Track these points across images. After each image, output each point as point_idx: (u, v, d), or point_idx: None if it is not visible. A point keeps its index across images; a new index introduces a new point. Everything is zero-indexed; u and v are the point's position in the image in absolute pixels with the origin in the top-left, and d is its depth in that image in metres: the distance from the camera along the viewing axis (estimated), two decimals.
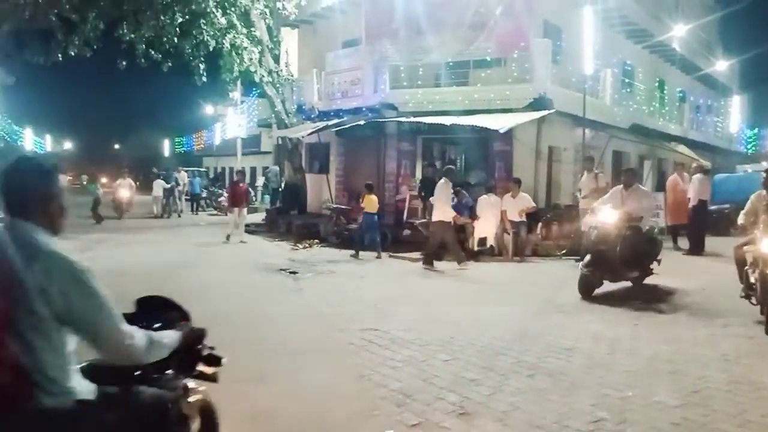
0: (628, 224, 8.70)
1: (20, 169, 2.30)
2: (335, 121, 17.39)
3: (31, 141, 41.71)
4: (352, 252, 13.29)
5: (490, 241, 13.23)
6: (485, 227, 13.08)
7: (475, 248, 13.08)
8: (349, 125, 16.40)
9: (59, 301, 2.10)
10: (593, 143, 16.55)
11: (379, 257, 13.05)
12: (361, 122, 16.12)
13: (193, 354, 2.62)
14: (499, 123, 13.40)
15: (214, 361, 2.69)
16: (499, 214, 13.09)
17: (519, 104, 15.16)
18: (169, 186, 24.77)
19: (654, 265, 9.31)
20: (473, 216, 13.18)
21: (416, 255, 13.11)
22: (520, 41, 15.53)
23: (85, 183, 25.01)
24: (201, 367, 2.69)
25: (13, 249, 2.12)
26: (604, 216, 8.83)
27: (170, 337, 2.44)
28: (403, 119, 15.87)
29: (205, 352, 2.66)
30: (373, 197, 13.56)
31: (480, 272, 11.53)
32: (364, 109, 17.05)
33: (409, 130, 16.51)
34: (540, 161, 15.97)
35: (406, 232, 14.99)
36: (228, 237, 15.69)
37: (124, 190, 23.44)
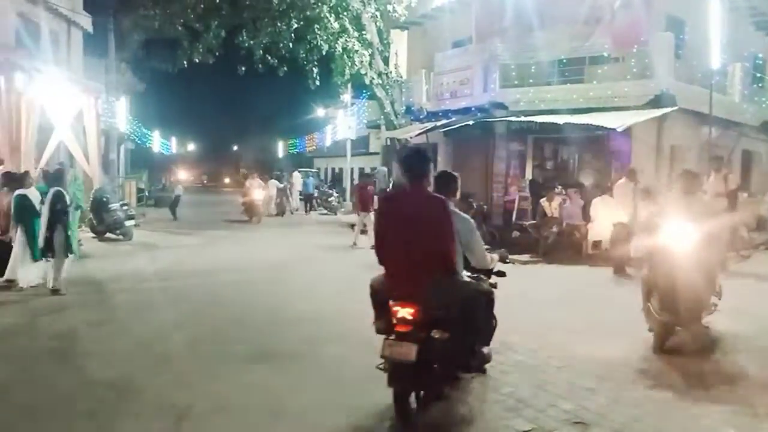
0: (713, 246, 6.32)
1: (418, 152, 4.63)
2: (443, 121, 17.35)
3: (159, 143, 44.60)
4: None
5: (606, 245, 12.70)
6: (600, 230, 12.56)
7: (590, 251, 12.61)
8: (457, 125, 16.30)
9: (462, 233, 4.46)
10: (720, 142, 15.48)
11: None
12: (470, 122, 15.98)
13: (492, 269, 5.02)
14: (616, 121, 12.82)
15: (501, 273, 5.17)
16: (615, 216, 12.53)
17: (638, 102, 14.45)
18: (282, 186, 25.74)
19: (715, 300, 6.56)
20: (586, 218, 12.71)
21: (525, 257, 12.84)
22: (640, 35, 14.79)
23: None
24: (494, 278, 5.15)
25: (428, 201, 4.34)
26: (681, 236, 6.08)
27: (495, 258, 5.00)
28: (513, 118, 15.57)
29: (496, 269, 5.08)
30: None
31: (593, 276, 11.10)
32: (473, 108, 16.89)
33: (519, 129, 16.18)
34: (661, 161, 15.14)
35: (515, 233, 14.69)
36: (354, 243, 14.73)
37: (257, 191, 21.63)
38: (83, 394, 5.04)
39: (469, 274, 4.81)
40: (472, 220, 4.62)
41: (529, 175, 16.61)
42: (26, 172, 10.80)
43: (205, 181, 79.59)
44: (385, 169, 23.51)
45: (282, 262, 12.67)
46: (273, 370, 5.73)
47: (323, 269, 11.91)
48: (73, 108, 16.50)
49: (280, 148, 58.86)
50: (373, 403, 4.77)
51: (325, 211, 27.33)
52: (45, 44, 22.01)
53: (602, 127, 13.02)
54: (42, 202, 9.29)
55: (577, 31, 15.32)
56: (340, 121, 34.01)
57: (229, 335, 6.96)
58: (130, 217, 15.94)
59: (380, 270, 4.60)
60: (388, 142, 21.22)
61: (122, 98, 27.39)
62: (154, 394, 5.03)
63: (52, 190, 9.17)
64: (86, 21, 25.60)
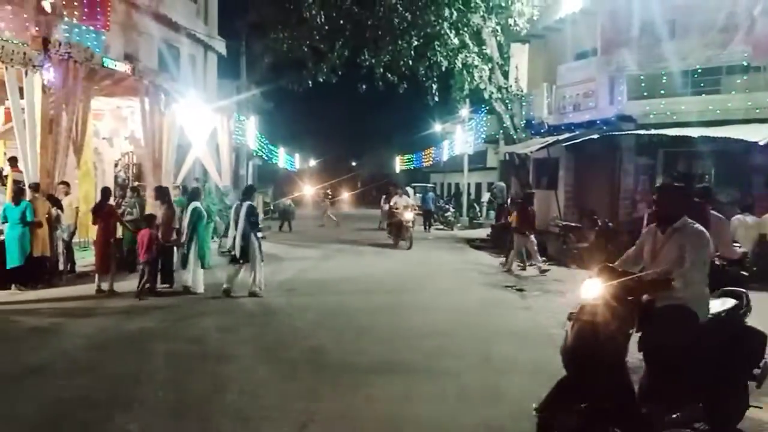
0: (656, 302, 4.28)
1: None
2: (566, 135, 16.85)
3: (284, 159, 46.58)
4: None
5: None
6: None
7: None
8: (581, 139, 15.77)
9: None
10: None
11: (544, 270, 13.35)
12: (595, 136, 15.41)
13: None
14: (759, 134, 11.88)
15: None
16: (756, 236, 11.59)
17: None
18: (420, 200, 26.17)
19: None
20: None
21: None
22: None
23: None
24: None
25: None
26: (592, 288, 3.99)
27: None
28: (642, 132, 14.84)
29: None
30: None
31: None
32: (597, 122, 16.27)
33: (648, 143, 15.38)
34: None
35: None
36: (509, 269, 13.58)
37: (407, 211, 18.33)
38: (216, 396, 5.33)
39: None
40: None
41: None
42: (197, 188, 12.08)
43: (330, 195, 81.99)
44: (503, 184, 23.17)
45: (401, 276, 12.81)
46: (392, 381, 5.79)
47: (443, 285, 11.90)
48: (208, 127, 17.65)
49: (397, 164, 59.66)
50: (486, 420, 4.70)
51: (442, 227, 27.34)
52: (184, 68, 23.81)
53: (742, 140, 12.12)
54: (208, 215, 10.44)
55: (713, 39, 14.37)
56: (458, 136, 33.98)
57: (351, 346, 7.11)
58: (259, 230, 16.68)
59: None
60: (507, 157, 20.90)
61: (251, 117, 28.92)
62: (280, 400, 5.23)
63: (245, 204, 10.31)
64: (221, 45, 27.43)
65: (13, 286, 10.05)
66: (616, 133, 15.35)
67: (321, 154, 75.56)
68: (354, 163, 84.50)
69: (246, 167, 30.65)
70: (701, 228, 4.27)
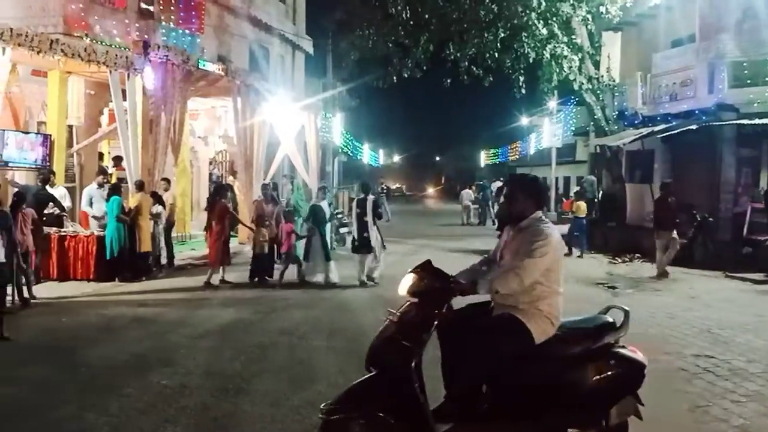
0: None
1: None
2: (661, 126, 16.10)
3: (368, 155, 47.08)
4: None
5: None
6: None
7: None
8: (678, 130, 15.02)
9: None
10: None
11: (581, 257, 14.19)
12: (693, 126, 14.63)
13: None
14: None
15: None
16: None
17: None
18: (480, 195, 25.85)
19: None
20: None
21: (759, 276, 11.46)
22: None
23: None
24: None
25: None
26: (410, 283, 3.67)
27: None
28: (745, 121, 13.97)
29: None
30: (582, 204, 15.88)
31: None
32: (696, 112, 15.45)
33: (752, 133, 14.46)
34: None
35: (747, 249, 13.15)
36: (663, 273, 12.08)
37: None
38: (315, 387, 5.46)
39: None
40: None
41: (764, 184, 14.76)
42: (324, 186, 12.99)
43: (404, 191, 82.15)
44: (593, 178, 22.43)
45: None
46: None
47: None
48: (296, 124, 18.08)
49: (482, 158, 59.01)
50: None
51: None
52: (273, 67, 24.49)
53: None
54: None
55: None
56: (545, 129, 33.15)
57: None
58: (344, 225, 16.98)
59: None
60: (598, 150, 20.21)
61: (337, 114, 29.37)
62: None
63: (369, 198, 11.21)
64: (308, 44, 28.03)
65: (116, 278, 10.69)
66: (717, 123, 14.53)
67: (405, 149, 75.93)
68: (438, 159, 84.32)
69: (332, 164, 31.21)
70: (546, 229, 3.62)
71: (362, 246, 10.93)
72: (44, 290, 9.53)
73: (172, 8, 17.86)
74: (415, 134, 75.17)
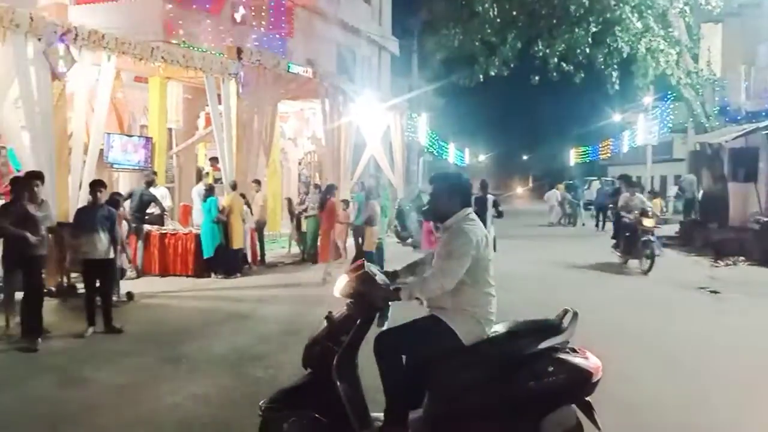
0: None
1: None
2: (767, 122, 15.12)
3: (454, 155, 46.81)
4: None
5: None
6: None
7: None
8: None
9: None
10: None
11: None
12: None
13: None
14: None
15: None
16: None
17: None
18: (571, 195, 25.15)
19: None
20: None
21: None
22: None
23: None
24: None
25: None
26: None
27: None
28: None
29: None
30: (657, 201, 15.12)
31: None
32: None
33: None
34: None
35: None
36: None
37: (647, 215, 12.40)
38: None
39: None
40: None
41: None
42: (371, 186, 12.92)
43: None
44: (692, 177, 21.35)
45: (572, 270, 12.31)
46: None
47: (627, 284, 11.26)
48: (382, 125, 18.24)
49: (571, 156, 57.41)
50: None
51: None
52: (360, 68, 24.80)
53: None
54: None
55: None
56: (640, 126, 31.84)
57: None
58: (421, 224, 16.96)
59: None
60: (698, 147, 19.21)
61: (423, 114, 29.39)
62: None
63: (490, 197, 11.82)
64: (394, 45, 28.20)
65: (212, 274, 11.14)
66: None
67: (491, 148, 74.90)
68: (525, 158, 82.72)
69: (417, 163, 31.26)
70: (468, 228, 3.49)
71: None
72: (146, 285, 10.06)
73: (263, 14, 18.42)
74: (502, 133, 74.06)
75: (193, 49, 12.80)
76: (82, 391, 5.37)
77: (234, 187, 11.81)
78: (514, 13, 17.49)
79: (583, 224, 24.78)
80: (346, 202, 13.07)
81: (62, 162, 9.43)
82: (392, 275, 3.83)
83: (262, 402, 3.60)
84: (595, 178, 36.35)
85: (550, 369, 3.33)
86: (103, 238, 7.23)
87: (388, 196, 15.28)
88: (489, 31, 17.88)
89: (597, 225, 23.26)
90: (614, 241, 13.44)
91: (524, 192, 58.42)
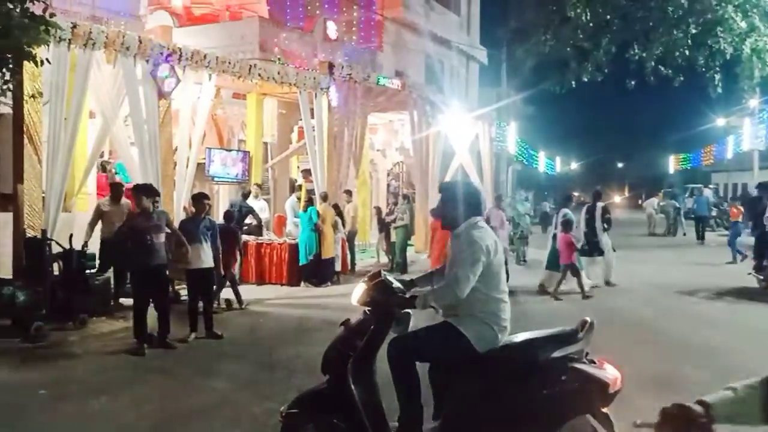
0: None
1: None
2: None
3: (544, 163, 45.87)
4: None
5: None
6: None
7: None
8: None
9: None
10: None
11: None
12: None
13: None
14: None
15: None
16: None
17: None
18: (670, 203, 24.11)
19: None
20: None
21: None
22: None
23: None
24: None
25: None
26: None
27: None
28: None
29: None
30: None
31: None
32: None
33: None
34: None
35: None
36: None
37: None
38: None
39: None
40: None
41: None
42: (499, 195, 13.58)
43: (581, 198, 78.62)
44: None
45: (676, 278, 11.75)
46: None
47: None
48: (470, 134, 18.17)
49: (670, 164, 54.85)
50: None
51: (726, 232, 24.34)
52: (448, 79, 24.85)
53: None
54: None
55: None
56: (746, 130, 30.07)
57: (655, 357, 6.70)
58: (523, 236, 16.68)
59: None
60: None
61: (512, 123, 29.03)
62: None
63: (599, 205, 11.77)
64: (482, 54, 28.08)
65: (302, 283, 11.47)
66: None
67: (583, 156, 72.79)
68: (620, 165, 79.79)
69: (506, 172, 30.84)
70: (478, 235, 3.49)
71: (594, 249, 11.38)
72: (244, 293, 10.46)
73: (353, 29, 18.85)
74: (595, 140, 71.89)
75: (288, 65, 13.28)
76: (183, 393, 5.67)
77: (325, 198, 12.11)
78: (608, 17, 17.00)
79: (684, 234, 23.63)
80: (434, 211, 13.12)
81: (167, 175, 10.00)
82: (409, 284, 3.87)
83: (282, 408, 3.67)
84: (698, 185, 34.51)
85: (563, 377, 3.29)
86: (206, 248, 7.62)
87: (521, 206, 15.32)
88: (581, 36, 17.45)
89: (698, 237, 22.01)
90: (756, 261, 11.59)
91: (621, 201, 56.23)
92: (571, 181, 62.30)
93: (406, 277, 4.05)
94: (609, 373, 3.32)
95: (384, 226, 14.08)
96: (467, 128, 17.87)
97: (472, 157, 18.51)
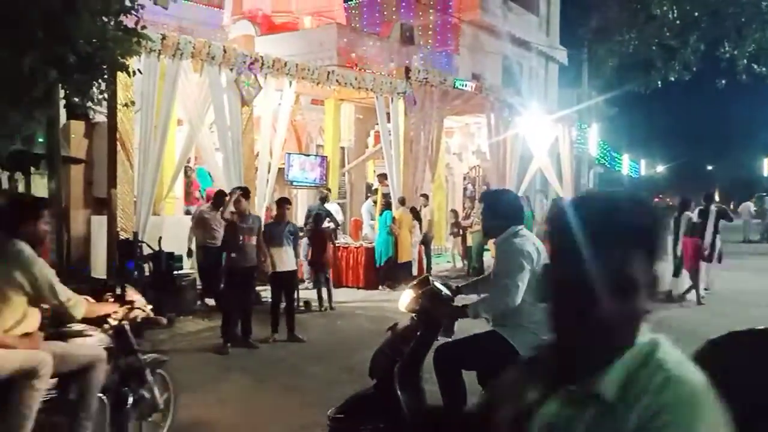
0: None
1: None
2: None
3: (627, 166, 44.37)
4: None
5: None
6: None
7: None
8: None
9: None
10: None
11: None
12: None
13: None
14: None
15: None
16: None
17: None
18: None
19: None
20: None
21: None
22: None
23: None
24: None
25: None
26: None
27: None
28: None
29: None
30: None
31: None
32: None
33: None
34: None
35: None
36: None
37: None
38: None
39: None
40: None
41: None
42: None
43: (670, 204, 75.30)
44: None
45: None
46: None
47: None
48: (549, 137, 17.78)
49: (765, 166, 51.84)
50: None
51: None
52: (526, 80, 24.42)
53: None
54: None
55: None
56: None
57: None
58: None
59: None
60: None
61: (593, 124, 28.24)
62: None
63: (713, 209, 11.01)
64: (562, 54, 27.44)
65: (380, 286, 11.54)
66: None
67: (670, 158, 69.89)
68: (710, 167, 76.06)
69: (587, 176, 29.99)
70: (518, 244, 3.46)
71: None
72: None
73: (429, 32, 18.86)
74: (682, 142, 68.99)
75: (365, 70, 13.42)
76: (266, 393, 5.83)
77: (403, 202, 12.15)
78: (696, 13, 16.31)
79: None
80: None
81: (249, 180, 10.29)
82: (456, 291, 3.87)
83: (330, 411, 3.67)
84: None
85: None
86: (289, 251, 7.83)
87: None
88: (668, 34, 16.84)
89: None
90: None
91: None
92: (656, 184, 60.03)
93: (453, 284, 4.06)
94: None
95: (459, 230, 13.98)
96: (546, 130, 17.50)
97: (551, 160, 18.11)
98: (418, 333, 3.59)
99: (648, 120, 50.04)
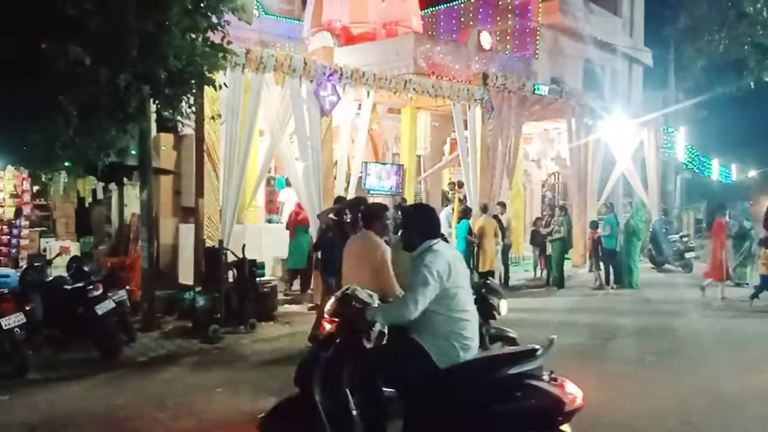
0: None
1: None
2: None
3: (717, 171, 42.23)
4: None
5: None
6: None
7: None
8: None
9: None
10: None
11: None
12: None
13: None
14: None
15: None
16: None
17: None
18: None
19: None
20: None
21: None
22: None
23: None
24: None
25: None
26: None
27: None
28: None
29: None
30: None
31: None
32: None
33: None
34: None
35: None
36: None
37: None
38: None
39: None
40: None
41: None
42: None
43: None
44: None
45: None
46: None
47: None
48: (633, 142, 17.19)
49: None
50: None
51: None
52: (609, 83, 23.72)
53: None
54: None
55: None
56: None
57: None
58: (690, 249, 15.51)
59: None
60: None
61: (681, 128, 27.12)
62: None
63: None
64: (646, 56, 26.51)
65: None
66: None
67: (764, 163, 66.09)
68: None
69: (674, 182, 28.77)
70: (430, 258, 3.53)
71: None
72: None
73: (507, 37, 18.65)
74: None
75: (441, 78, 13.40)
76: None
77: (485, 209, 12.01)
78: None
79: None
80: (594, 224, 12.64)
81: (328, 189, 10.47)
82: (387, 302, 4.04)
83: (260, 415, 3.79)
84: None
85: (518, 393, 3.37)
86: None
87: (643, 218, 14.30)
88: (761, 32, 15.93)
89: None
90: None
91: None
92: (748, 189, 56.85)
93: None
94: (567, 391, 3.37)
95: (539, 239, 13.69)
96: (630, 135, 16.94)
97: (636, 165, 17.49)
98: (337, 339, 3.71)
99: (740, 123, 47.36)
